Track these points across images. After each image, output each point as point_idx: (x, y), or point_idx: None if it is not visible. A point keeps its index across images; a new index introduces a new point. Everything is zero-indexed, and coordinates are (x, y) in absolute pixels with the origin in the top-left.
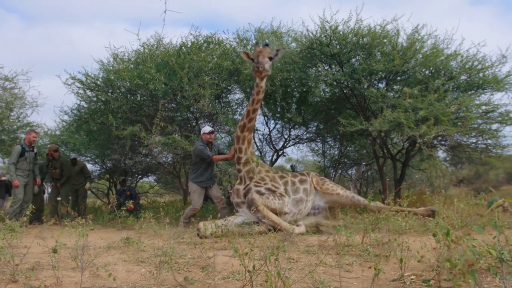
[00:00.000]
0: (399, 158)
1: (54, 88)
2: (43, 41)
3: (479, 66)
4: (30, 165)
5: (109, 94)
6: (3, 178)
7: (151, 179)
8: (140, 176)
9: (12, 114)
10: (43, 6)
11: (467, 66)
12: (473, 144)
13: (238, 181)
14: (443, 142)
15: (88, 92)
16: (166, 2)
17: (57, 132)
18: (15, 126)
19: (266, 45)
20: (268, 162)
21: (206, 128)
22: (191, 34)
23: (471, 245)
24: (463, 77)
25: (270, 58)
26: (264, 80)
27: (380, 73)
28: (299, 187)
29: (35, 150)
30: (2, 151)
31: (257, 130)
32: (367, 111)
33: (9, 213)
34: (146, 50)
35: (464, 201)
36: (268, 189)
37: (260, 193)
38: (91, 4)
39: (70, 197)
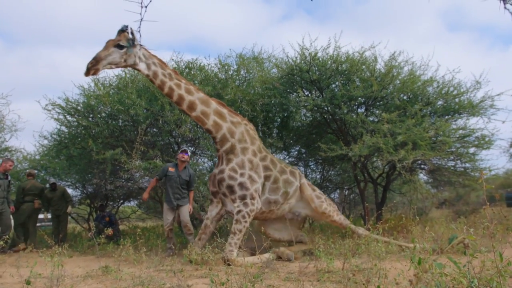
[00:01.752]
0: (380, 182)
1: (34, 112)
2: (24, 64)
3: (455, 92)
4: (3, 192)
5: (90, 119)
6: None
7: (133, 203)
8: (121, 201)
9: None
10: (27, 29)
11: (443, 92)
12: (452, 168)
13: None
14: (422, 166)
15: (69, 117)
16: (142, 12)
17: (37, 157)
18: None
19: (122, 31)
20: None
21: (186, 149)
22: (172, 59)
23: (442, 273)
24: (439, 102)
25: (120, 47)
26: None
27: (359, 98)
28: (279, 188)
29: (9, 177)
30: None
31: None
32: (347, 136)
33: None
34: (128, 75)
35: (444, 225)
36: (242, 186)
37: (231, 190)
38: (74, 27)
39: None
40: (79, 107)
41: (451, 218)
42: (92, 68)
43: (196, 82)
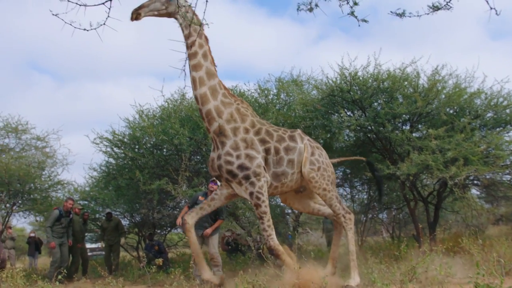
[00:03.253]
0: (431, 200)
1: (83, 145)
2: (72, 99)
3: (505, 103)
4: (64, 228)
5: (136, 150)
6: (32, 235)
7: (179, 230)
8: (168, 229)
9: (43, 173)
10: (73, 65)
11: (492, 103)
12: (508, 182)
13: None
14: (475, 182)
15: (116, 149)
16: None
17: (87, 188)
18: (46, 185)
19: None
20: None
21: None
22: None
23: None
24: (489, 115)
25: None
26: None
27: (404, 115)
28: (283, 158)
29: (71, 215)
30: (35, 209)
31: None
32: (393, 154)
33: (48, 274)
34: (170, 106)
35: (505, 244)
36: (241, 166)
37: (232, 174)
38: (117, 60)
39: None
40: (125, 139)
41: None
42: (135, 12)
43: None
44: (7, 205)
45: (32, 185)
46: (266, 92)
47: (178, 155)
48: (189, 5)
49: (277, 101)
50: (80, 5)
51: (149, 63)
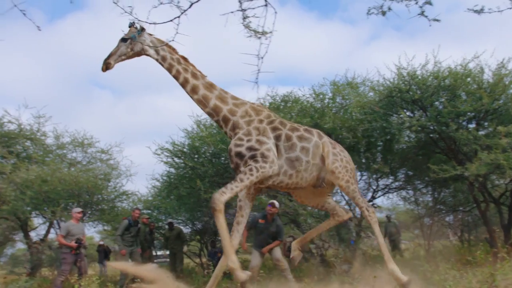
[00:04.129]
0: (504, 201)
1: (144, 156)
2: (131, 112)
3: None
4: (133, 237)
5: (195, 159)
6: (101, 243)
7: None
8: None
9: (109, 184)
10: (131, 80)
11: None
12: None
13: None
14: None
15: (176, 160)
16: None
17: (150, 198)
18: (112, 196)
19: (130, 26)
20: (358, 216)
21: (274, 202)
22: (268, 95)
23: None
24: None
25: (125, 40)
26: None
27: (468, 113)
28: (295, 144)
29: (139, 225)
30: (103, 219)
31: None
32: (458, 154)
33: (120, 282)
34: None
35: None
36: (250, 148)
37: (240, 155)
38: (159, 73)
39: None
40: (184, 149)
41: None
42: (105, 63)
43: (293, 114)
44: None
45: (99, 196)
46: (321, 96)
47: None
48: (150, 35)
49: (333, 105)
50: (150, 23)
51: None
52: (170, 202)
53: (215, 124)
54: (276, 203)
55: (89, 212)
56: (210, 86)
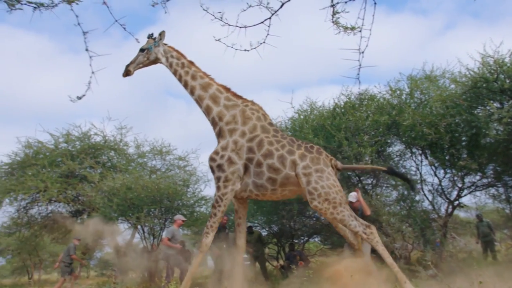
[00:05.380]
0: None
1: None
2: (203, 120)
3: None
4: (222, 242)
5: None
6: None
7: (316, 240)
8: (306, 238)
9: (188, 190)
10: None
11: None
12: None
13: None
14: None
15: None
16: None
17: None
18: (192, 201)
19: (148, 37)
20: (443, 215)
21: (351, 197)
22: (342, 94)
23: None
24: None
25: (142, 50)
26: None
27: None
28: (264, 173)
29: (226, 230)
30: (183, 224)
31: (424, 180)
32: None
33: (210, 284)
34: (301, 116)
35: None
36: (219, 167)
37: (212, 170)
38: (241, 79)
39: None
40: None
41: None
42: (125, 70)
43: (369, 112)
44: (160, 220)
45: (179, 202)
46: (398, 92)
47: None
48: (165, 44)
49: (412, 101)
50: (240, 27)
51: (271, 77)
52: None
53: (289, 126)
54: (354, 197)
55: (170, 217)
56: (207, 86)
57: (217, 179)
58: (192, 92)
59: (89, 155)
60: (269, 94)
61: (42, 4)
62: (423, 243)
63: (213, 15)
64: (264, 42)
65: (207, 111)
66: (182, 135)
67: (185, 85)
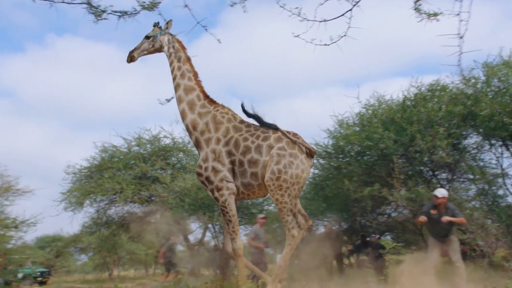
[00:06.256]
0: None
1: None
2: (268, 118)
3: None
4: None
5: (340, 159)
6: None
7: (388, 237)
8: (378, 236)
9: None
10: (266, 88)
11: None
12: None
13: None
14: None
15: (321, 161)
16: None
17: None
18: (260, 199)
19: (154, 26)
20: None
21: (437, 191)
22: (412, 86)
23: None
24: None
25: (148, 37)
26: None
27: None
28: (247, 170)
29: None
30: (253, 222)
31: (506, 174)
32: None
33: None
34: (369, 111)
35: None
36: (208, 179)
37: (203, 184)
38: (303, 76)
39: None
40: (328, 149)
41: None
42: (129, 55)
43: (442, 103)
44: None
45: (249, 201)
46: (473, 81)
47: (385, 159)
48: (171, 34)
49: (489, 89)
50: (319, 21)
51: (334, 72)
52: (316, 204)
53: (357, 121)
54: (441, 193)
55: (240, 216)
56: (190, 90)
57: (211, 192)
58: (175, 89)
59: (160, 157)
60: (332, 90)
61: (125, 12)
62: (510, 240)
63: (291, 11)
64: (345, 35)
65: (182, 116)
66: None
67: (173, 79)
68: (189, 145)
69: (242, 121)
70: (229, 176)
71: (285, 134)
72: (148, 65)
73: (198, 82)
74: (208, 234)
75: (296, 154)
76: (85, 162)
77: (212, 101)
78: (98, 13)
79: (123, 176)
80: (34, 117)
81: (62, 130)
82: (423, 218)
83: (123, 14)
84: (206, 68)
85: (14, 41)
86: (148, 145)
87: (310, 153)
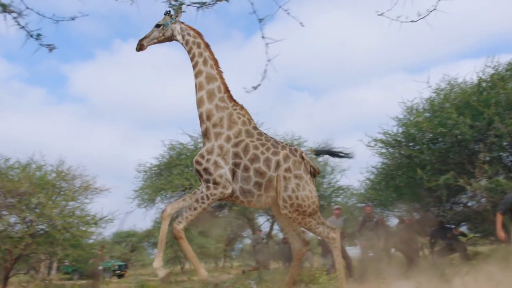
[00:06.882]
0: None
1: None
2: (329, 109)
3: None
4: (371, 232)
5: (411, 147)
6: (319, 238)
7: (464, 228)
8: (453, 226)
9: (323, 180)
10: (327, 79)
11: None
12: None
13: None
14: None
15: (390, 150)
16: None
17: (362, 191)
18: (328, 191)
19: (165, 14)
20: None
21: None
22: (487, 66)
23: None
24: None
25: (158, 26)
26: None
27: None
28: (251, 178)
29: (375, 219)
30: (322, 215)
31: None
32: None
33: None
34: (440, 96)
35: None
36: (206, 170)
37: (198, 173)
38: (364, 64)
39: None
40: (398, 138)
41: None
42: (139, 44)
43: None
44: None
45: (318, 193)
46: None
47: (460, 146)
48: (182, 22)
49: None
50: None
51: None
52: (385, 194)
53: (427, 107)
54: None
55: None
56: (211, 78)
57: (206, 181)
58: (196, 76)
59: None
60: (396, 77)
61: (204, 3)
62: None
63: None
64: (434, 9)
65: (199, 103)
66: (309, 127)
67: (194, 66)
68: None
69: (255, 128)
70: (229, 176)
71: (292, 152)
72: None
73: (220, 72)
74: (276, 227)
75: (301, 175)
76: (155, 160)
77: (231, 98)
78: (178, 5)
79: (191, 173)
80: (105, 119)
81: (131, 130)
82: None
83: (201, 5)
84: (262, 62)
85: (84, 49)
86: None
87: (314, 173)
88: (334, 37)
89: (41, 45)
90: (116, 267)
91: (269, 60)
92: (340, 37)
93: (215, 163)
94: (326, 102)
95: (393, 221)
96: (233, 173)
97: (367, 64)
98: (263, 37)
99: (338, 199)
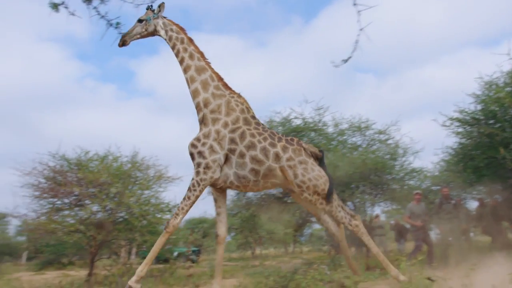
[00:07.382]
0: None
1: (420, 130)
2: (394, 90)
3: None
4: (448, 214)
5: (492, 125)
6: (391, 222)
7: None
8: None
9: (395, 163)
10: (392, 59)
11: None
12: None
13: None
14: None
15: (468, 128)
16: None
17: (436, 173)
18: (401, 174)
19: (147, 9)
20: None
21: None
22: None
23: None
24: None
25: (141, 21)
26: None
27: None
28: (247, 164)
29: (452, 201)
30: (395, 198)
31: None
32: None
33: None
34: None
35: None
36: (200, 153)
37: (192, 156)
38: (431, 41)
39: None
40: (476, 116)
41: None
42: (121, 39)
43: None
44: (370, 196)
45: (388, 176)
46: None
47: None
48: (164, 17)
49: None
50: None
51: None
52: (462, 176)
53: (508, 82)
54: None
55: (380, 192)
56: (201, 70)
57: (197, 165)
58: (185, 71)
59: None
60: (467, 52)
61: None
62: None
63: None
64: None
65: (194, 94)
66: (375, 109)
67: (181, 62)
68: (320, 124)
69: (253, 117)
70: (222, 161)
71: (289, 142)
72: (268, 50)
73: (208, 63)
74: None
75: (305, 160)
76: None
77: (227, 85)
78: None
79: None
80: (171, 112)
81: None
82: None
83: None
84: (325, 46)
85: (148, 45)
86: (280, 127)
87: (316, 156)
88: (398, 15)
89: (120, 33)
90: (190, 252)
91: (361, 29)
92: (403, 15)
93: (211, 147)
94: (392, 83)
95: (471, 204)
96: (227, 159)
97: (434, 41)
98: (354, 4)
99: (411, 182)
